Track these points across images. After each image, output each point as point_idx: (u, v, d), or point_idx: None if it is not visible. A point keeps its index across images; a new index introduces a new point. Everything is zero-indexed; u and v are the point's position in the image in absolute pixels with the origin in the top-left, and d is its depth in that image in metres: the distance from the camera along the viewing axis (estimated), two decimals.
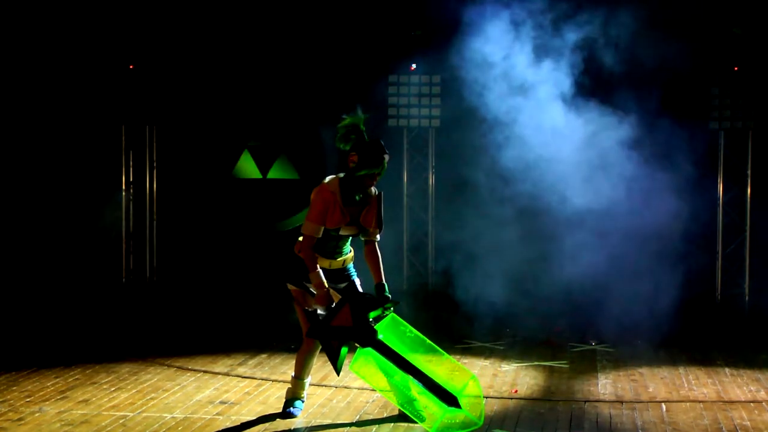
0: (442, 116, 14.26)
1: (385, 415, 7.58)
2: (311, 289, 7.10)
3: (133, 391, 8.32)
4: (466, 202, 13.28)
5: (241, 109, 15.05)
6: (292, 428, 7.18)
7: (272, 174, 15.23)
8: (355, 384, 8.62)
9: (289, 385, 7.56)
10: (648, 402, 8.04)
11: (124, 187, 14.67)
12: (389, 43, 14.33)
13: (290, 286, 7.28)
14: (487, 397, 7.94)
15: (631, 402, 8.04)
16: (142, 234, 14.74)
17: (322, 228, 7.01)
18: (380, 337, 6.82)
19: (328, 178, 7.16)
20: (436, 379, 6.74)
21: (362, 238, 7.26)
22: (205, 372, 9.12)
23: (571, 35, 11.86)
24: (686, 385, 8.66)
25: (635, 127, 12.50)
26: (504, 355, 10.01)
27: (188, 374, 9.01)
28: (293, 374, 7.51)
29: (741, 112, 13.79)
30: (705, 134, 13.93)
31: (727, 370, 9.32)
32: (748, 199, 14.04)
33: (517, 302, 11.96)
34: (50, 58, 14.19)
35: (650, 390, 8.49)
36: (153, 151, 14.82)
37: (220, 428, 7.16)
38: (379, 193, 7.20)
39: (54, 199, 14.50)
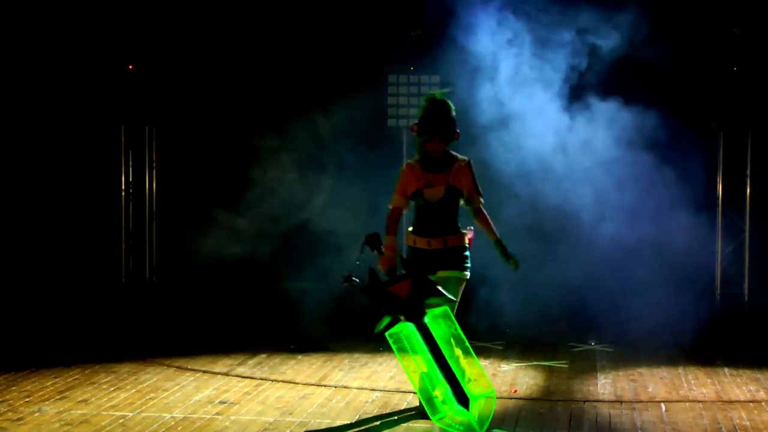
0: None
1: (384, 414, 7.57)
2: (382, 249, 7.31)
3: (133, 391, 8.32)
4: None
5: (240, 109, 15.05)
6: (290, 428, 7.17)
7: (271, 173, 15.21)
8: (354, 384, 8.63)
9: None
10: (647, 402, 8.04)
11: (123, 187, 14.66)
12: (388, 43, 14.33)
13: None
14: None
15: (630, 402, 8.04)
16: (141, 234, 14.73)
17: (404, 199, 7.38)
18: (426, 321, 6.96)
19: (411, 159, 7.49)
20: (458, 377, 6.85)
21: (467, 207, 7.45)
22: (205, 372, 9.11)
23: (570, 35, 11.86)
24: (686, 385, 8.66)
25: (634, 127, 12.50)
26: (503, 355, 10.01)
27: (188, 374, 9.01)
28: None
29: (740, 113, 13.80)
30: (705, 134, 13.94)
31: (726, 370, 9.32)
32: (747, 199, 14.05)
33: (517, 302, 11.95)
34: (50, 59, 14.18)
35: (649, 390, 8.49)
36: (153, 151, 14.82)
37: (220, 428, 7.16)
38: (468, 161, 7.43)
39: (53, 199, 14.49)
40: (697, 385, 8.68)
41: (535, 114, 12.04)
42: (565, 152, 12.52)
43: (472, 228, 7.57)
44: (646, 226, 13.14)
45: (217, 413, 7.59)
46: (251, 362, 9.60)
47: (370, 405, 7.91)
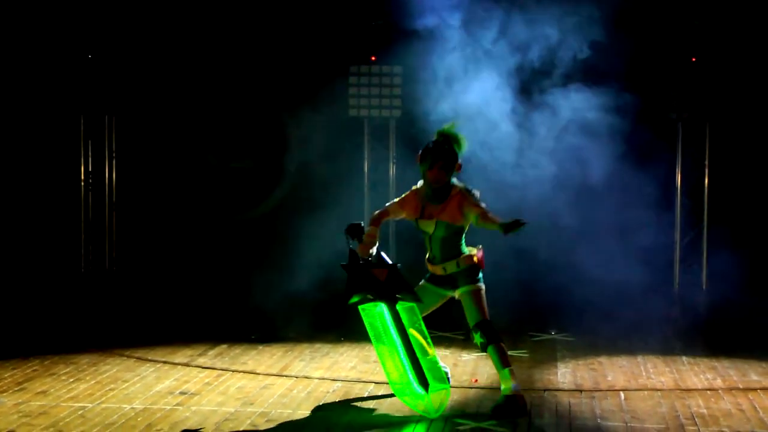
0: (403, 107, 14.26)
1: (346, 404, 7.58)
2: (363, 238, 7.53)
3: (92, 382, 8.26)
4: None
5: (201, 99, 14.98)
6: (252, 419, 7.16)
7: (233, 164, 15.17)
8: (315, 374, 8.62)
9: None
10: (607, 391, 8.08)
11: (83, 177, 14.56)
12: (350, 33, 14.31)
13: None
14: (455, 387, 7.96)
15: (590, 391, 8.08)
16: (101, 224, 14.64)
17: (397, 213, 7.67)
18: (397, 307, 7.32)
19: (419, 183, 7.66)
20: (421, 362, 7.20)
21: (476, 225, 7.48)
22: (165, 363, 9.07)
23: (531, 26, 11.88)
24: (644, 374, 8.72)
25: (593, 118, 12.55)
26: (464, 345, 10.02)
27: (148, 365, 8.96)
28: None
29: (699, 103, 13.89)
30: (664, 125, 14.04)
31: (684, 358, 9.39)
32: (706, 190, 14.17)
33: None
34: (7, 48, 14.03)
35: (609, 379, 8.54)
36: (112, 141, 14.72)
37: (180, 419, 7.13)
38: (461, 189, 7.49)
39: (12, 189, 14.36)
40: (656, 373, 8.75)
41: (493, 104, 12.06)
42: (523, 143, 12.56)
43: (481, 246, 7.70)
44: (605, 217, 13.22)
45: (177, 404, 7.56)
46: (212, 353, 9.57)
47: (331, 395, 7.90)
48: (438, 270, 7.59)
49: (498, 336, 7.36)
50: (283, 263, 14.09)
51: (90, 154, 14.58)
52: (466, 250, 7.59)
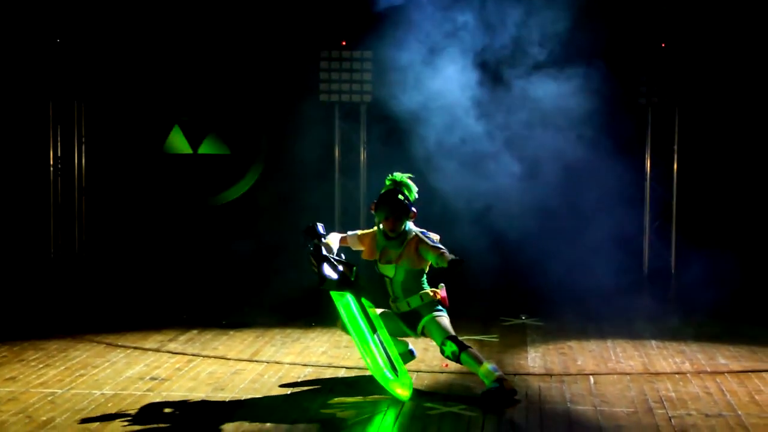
0: (374, 92, 14.25)
1: (317, 389, 7.58)
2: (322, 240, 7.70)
3: (62, 368, 8.23)
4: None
5: (171, 85, 14.91)
6: (224, 403, 7.15)
7: (203, 149, 15.13)
8: (286, 359, 8.62)
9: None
10: (576, 375, 8.12)
11: (52, 162, 14.46)
12: (321, 18, 14.28)
13: None
14: (417, 371, 7.99)
15: (560, 375, 8.13)
16: (70, 209, 14.56)
17: (355, 242, 7.86)
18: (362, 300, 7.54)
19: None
20: (389, 348, 7.41)
21: (436, 266, 7.56)
22: (136, 348, 9.04)
23: (501, 13, 11.90)
24: (614, 358, 8.77)
25: (562, 103, 12.60)
26: None
27: (118, 350, 8.93)
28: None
29: (668, 88, 13.95)
30: (633, 110, 14.09)
31: (653, 342, 9.45)
32: (675, 175, 14.25)
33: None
34: None
35: (579, 363, 8.58)
36: (81, 126, 14.62)
37: (151, 405, 7.11)
38: (415, 235, 7.60)
39: None
40: (625, 357, 8.80)
41: (463, 89, 12.09)
42: (491, 127, 12.60)
43: (443, 285, 7.82)
44: (574, 203, 13.26)
45: (148, 389, 7.54)
46: (182, 338, 9.55)
47: (302, 380, 7.91)
48: (402, 306, 7.72)
49: (466, 345, 7.47)
50: (253, 249, 14.09)
51: (59, 139, 14.48)
52: (428, 287, 7.75)
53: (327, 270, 7.46)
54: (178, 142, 15.13)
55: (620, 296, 11.86)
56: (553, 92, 12.49)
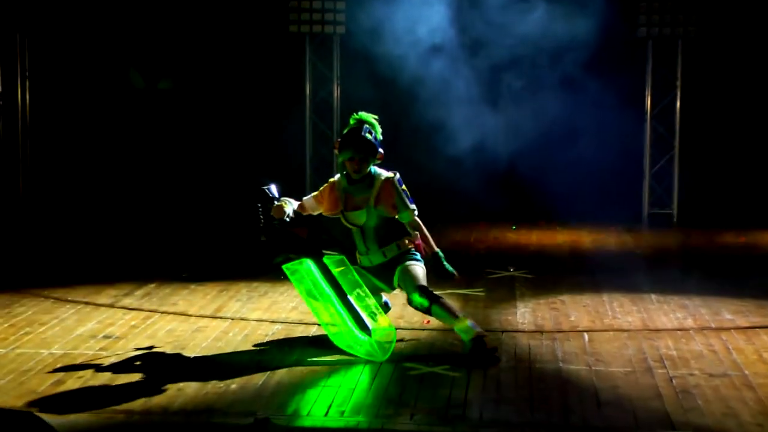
0: (348, 22, 14.15)
1: (287, 348, 7.59)
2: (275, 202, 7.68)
3: (5, 325, 8.21)
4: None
5: (121, 20, 14.76)
6: (183, 364, 7.15)
7: (161, 85, 15.02)
8: (252, 315, 8.62)
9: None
10: (569, 332, 8.16)
11: None
12: None
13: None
14: (397, 329, 7.99)
15: (551, 332, 8.16)
16: (13, 150, 14.42)
17: (313, 205, 7.81)
18: (324, 260, 7.51)
19: (337, 176, 7.84)
20: (358, 308, 7.40)
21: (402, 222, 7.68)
22: (87, 304, 9.03)
23: None
24: (610, 314, 8.80)
25: (558, 34, 12.56)
26: None
27: (67, 306, 8.92)
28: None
29: (670, 18, 13.90)
30: (632, 43, 14.05)
31: (653, 296, 9.49)
32: (678, 113, 14.23)
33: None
34: None
35: (572, 319, 8.62)
36: (25, 61, 14.46)
37: (105, 365, 7.10)
38: (390, 178, 7.61)
39: None
40: (622, 313, 8.83)
41: (447, 21, 12.07)
42: (479, 61, 12.60)
43: (417, 234, 7.76)
44: (570, 143, 13.27)
45: (101, 349, 7.53)
46: (139, 293, 9.54)
47: (270, 338, 7.92)
48: (376, 258, 7.70)
49: (438, 296, 7.50)
50: (217, 194, 14.05)
51: (0, 74, 14.33)
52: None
53: (276, 243, 7.54)
54: (135, 80, 15.04)
55: (618, 246, 11.91)
56: (544, 22, 12.45)
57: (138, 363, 7.18)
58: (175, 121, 15.05)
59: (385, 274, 7.69)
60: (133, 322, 8.38)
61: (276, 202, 7.62)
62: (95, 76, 14.88)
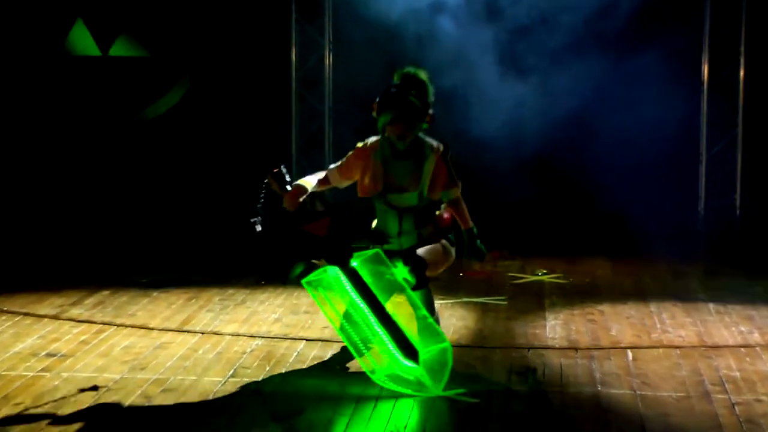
0: None
1: (268, 369, 7.58)
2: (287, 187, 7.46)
3: None
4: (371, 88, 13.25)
5: None
6: (143, 388, 7.14)
7: (115, 51, 14.98)
8: (227, 329, 8.63)
9: None
10: (609, 348, 8.16)
11: None
12: None
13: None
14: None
15: (587, 349, 8.15)
16: None
17: (343, 182, 7.67)
18: (355, 265, 7.20)
19: (371, 138, 7.61)
20: (401, 327, 7.07)
21: (444, 200, 7.60)
22: (27, 315, 9.05)
23: None
24: (659, 326, 8.81)
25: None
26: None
27: (3, 318, 8.94)
28: None
29: None
30: (688, 2, 14.02)
31: (711, 306, 9.49)
32: (741, 84, 14.17)
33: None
34: None
35: (613, 333, 8.62)
36: None
37: (47, 389, 7.10)
38: (442, 150, 7.49)
39: None
40: (674, 326, 8.84)
41: None
42: (512, 23, 12.64)
43: (445, 206, 7.71)
44: (611, 121, 13.26)
45: (43, 369, 7.53)
46: (90, 301, 9.55)
47: (248, 356, 7.90)
48: (408, 241, 7.57)
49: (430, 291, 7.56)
50: (187, 182, 14.04)
51: None
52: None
53: (292, 249, 7.29)
54: (83, 41, 14.99)
55: (669, 244, 11.90)
56: None
57: (88, 387, 7.17)
58: (133, 94, 15.02)
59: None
60: (82, 337, 8.38)
61: (288, 188, 7.42)
62: (36, 36, 14.85)
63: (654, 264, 11.24)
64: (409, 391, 6.97)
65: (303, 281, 7.27)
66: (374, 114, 7.49)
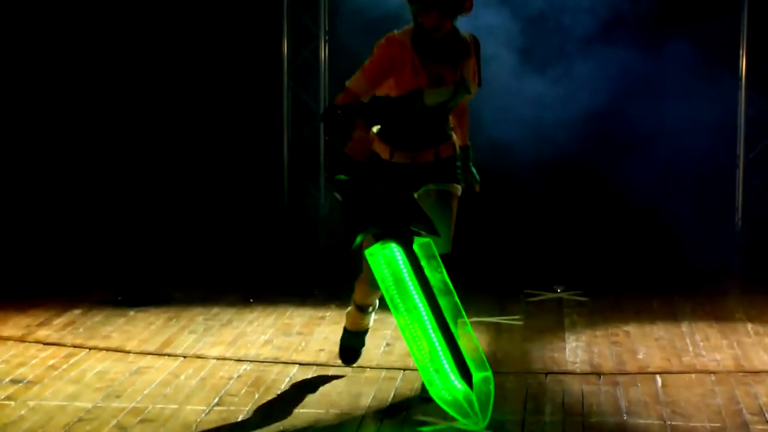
0: None
1: (257, 396, 7.61)
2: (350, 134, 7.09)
3: None
4: None
5: None
6: (118, 417, 7.18)
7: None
8: (212, 352, 8.65)
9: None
10: (636, 374, 8.18)
11: None
12: None
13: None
14: (413, 370, 7.99)
15: (612, 374, 8.18)
16: None
17: (371, 89, 7.26)
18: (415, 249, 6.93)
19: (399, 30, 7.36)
20: (458, 341, 6.81)
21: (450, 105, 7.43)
22: None
23: None
24: (691, 350, 8.83)
25: None
26: None
27: None
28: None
29: None
30: None
31: (749, 326, 9.51)
32: None
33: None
34: None
35: (640, 357, 8.64)
36: None
37: (13, 419, 7.13)
38: (474, 37, 7.41)
39: None
40: (708, 349, 8.86)
41: None
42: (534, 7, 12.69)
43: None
44: (637, 121, 13.29)
45: (7, 398, 7.55)
46: (59, 321, 9.57)
47: (235, 383, 7.93)
48: (426, 156, 7.36)
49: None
50: (167, 186, 14.05)
51: None
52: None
53: (359, 209, 6.90)
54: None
55: (703, 257, 11.93)
56: None
57: (57, 417, 7.21)
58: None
59: (422, 180, 7.38)
60: (51, 362, 8.40)
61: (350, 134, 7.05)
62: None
63: (685, 280, 11.26)
64: (457, 421, 6.80)
65: (366, 252, 6.97)
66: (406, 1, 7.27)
